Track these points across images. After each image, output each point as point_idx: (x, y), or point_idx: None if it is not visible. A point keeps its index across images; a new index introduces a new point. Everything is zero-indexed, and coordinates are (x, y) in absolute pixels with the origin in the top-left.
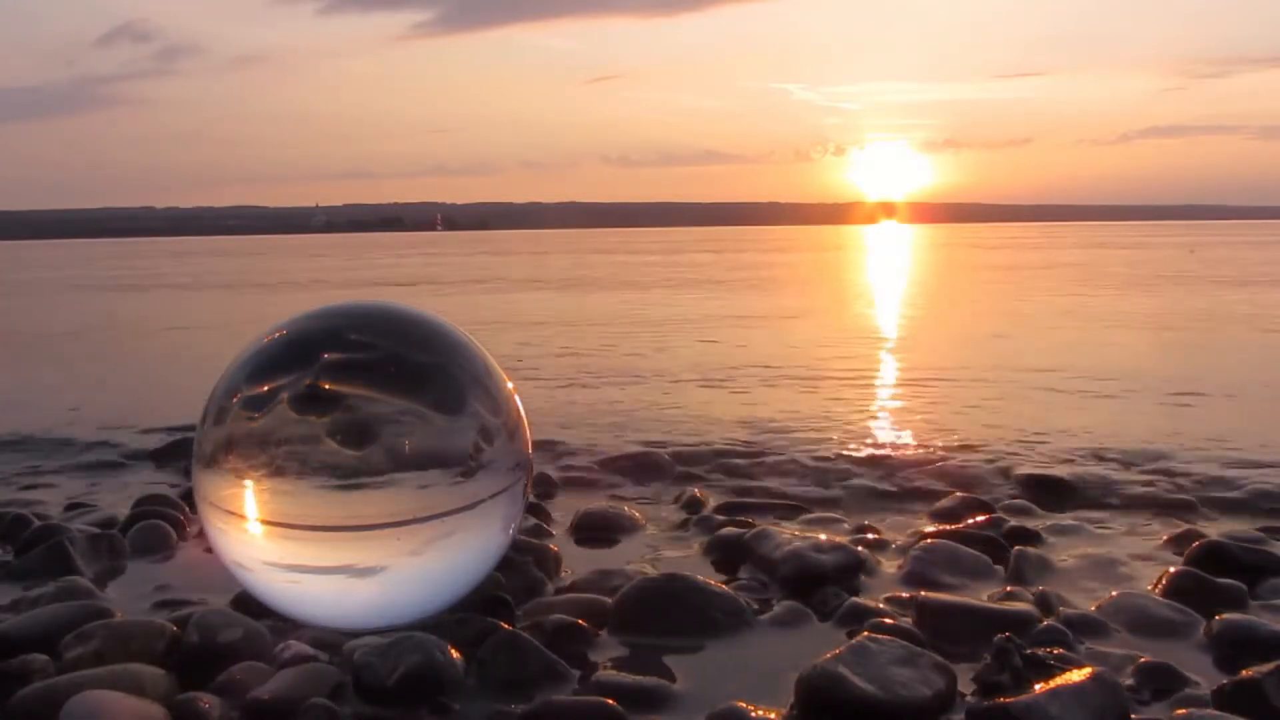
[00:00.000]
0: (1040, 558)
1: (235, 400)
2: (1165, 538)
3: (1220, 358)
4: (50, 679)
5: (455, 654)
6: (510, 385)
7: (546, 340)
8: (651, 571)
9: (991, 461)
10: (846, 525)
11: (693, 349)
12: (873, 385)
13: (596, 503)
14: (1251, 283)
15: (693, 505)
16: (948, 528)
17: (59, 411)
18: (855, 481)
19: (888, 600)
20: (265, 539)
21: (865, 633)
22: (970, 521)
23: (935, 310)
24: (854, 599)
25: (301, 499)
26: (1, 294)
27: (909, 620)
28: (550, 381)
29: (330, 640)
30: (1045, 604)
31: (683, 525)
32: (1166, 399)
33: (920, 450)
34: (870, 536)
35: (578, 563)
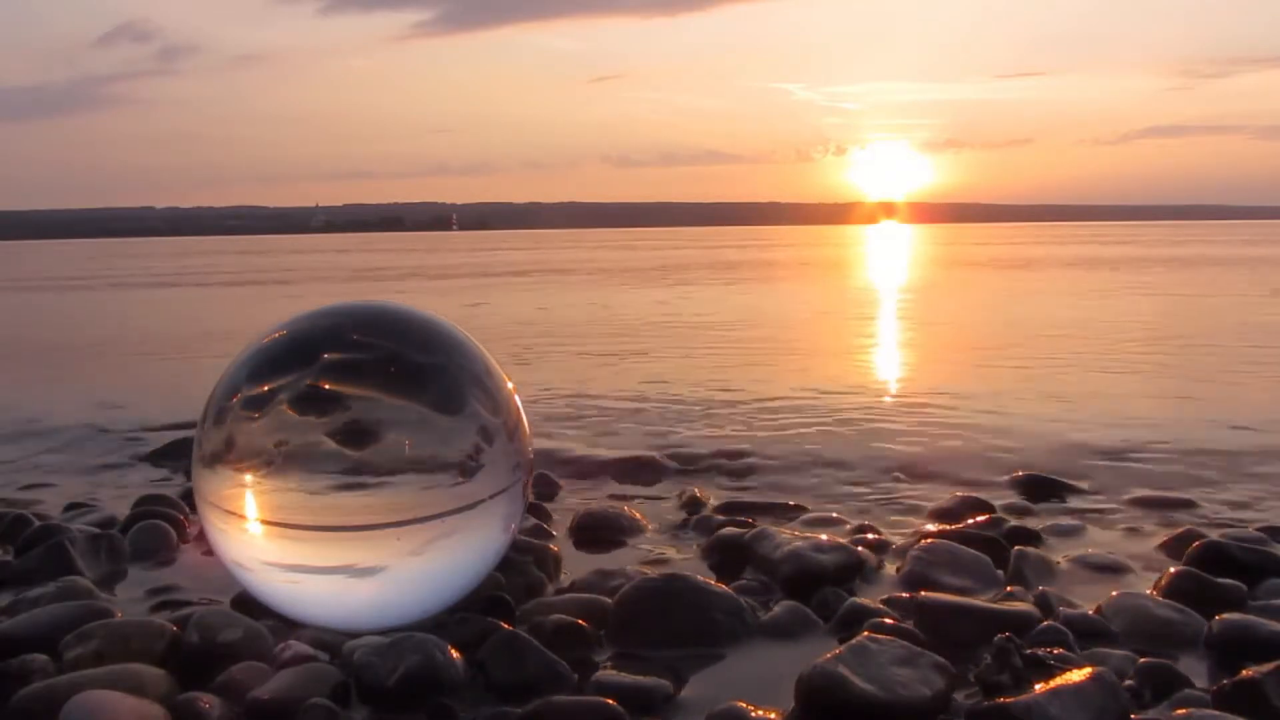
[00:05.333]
0: (1040, 558)
1: (235, 400)
2: (1165, 538)
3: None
4: (50, 679)
5: (455, 654)
6: (510, 385)
7: None
8: (651, 572)
9: (992, 461)
10: (846, 525)
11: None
12: (874, 385)
13: (597, 503)
14: None
15: (693, 505)
16: (948, 528)
17: (59, 410)
18: (856, 481)
19: (888, 600)
20: (265, 539)
21: (865, 633)
22: (970, 521)
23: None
24: (854, 599)
25: (301, 499)
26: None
27: (909, 620)
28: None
29: (330, 640)
30: (1045, 604)
31: (683, 525)
32: (1170, 400)
33: (920, 450)
34: (870, 536)
35: (578, 563)
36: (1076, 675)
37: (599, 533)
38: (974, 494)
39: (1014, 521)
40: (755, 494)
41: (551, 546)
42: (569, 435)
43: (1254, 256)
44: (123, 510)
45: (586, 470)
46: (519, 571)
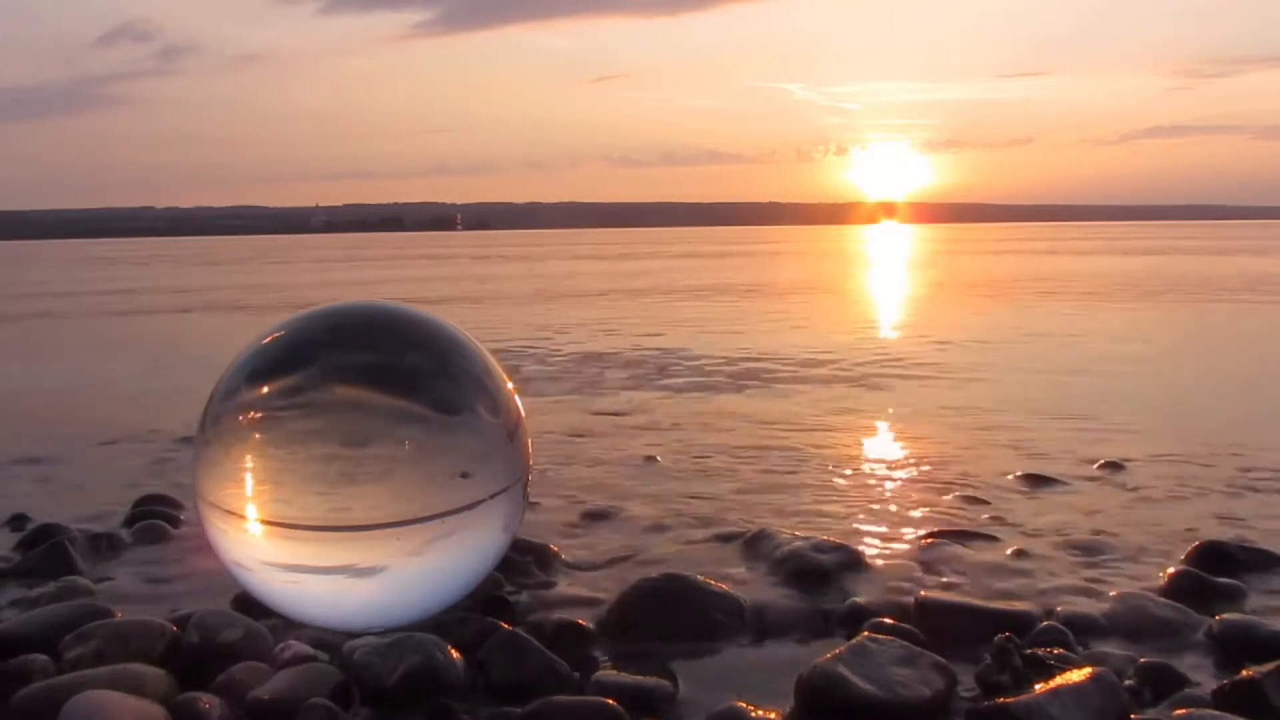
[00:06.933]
0: (1040, 556)
1: (235, 401)
2: (1165, 536)
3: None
4: (50, 679)
5: (455, 654)
6: (510, 385)
7: None
8: (652, 571)
9: (991, 461)
10: (847, 524)
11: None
12: (874, 385)
13: (597, 500)
14: None
15: (693, 502)
16: (948, 528)
17: (59, 409)
18: (856, 480)
19: (888, 600)
20: (265, 539)
21: (865, 633)
22: (970, 521)
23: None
24: (854, 599)
25: (301, 499)
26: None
27: (909, 620)
28: None
29: (330, 640)
30: (1045, 604)
31: (683, 523)
32: (1168, 397)
33: (920, 449)
34: (870, 536)
35: (578, 561)
36: (1076, 675)
37: (599, 532)
38: (974, 493)
39: (1014, 520)
40: (755, 493)
41: (552, 546)
42: None
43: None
44: (123, 509)
45: None
46: (519, 572)
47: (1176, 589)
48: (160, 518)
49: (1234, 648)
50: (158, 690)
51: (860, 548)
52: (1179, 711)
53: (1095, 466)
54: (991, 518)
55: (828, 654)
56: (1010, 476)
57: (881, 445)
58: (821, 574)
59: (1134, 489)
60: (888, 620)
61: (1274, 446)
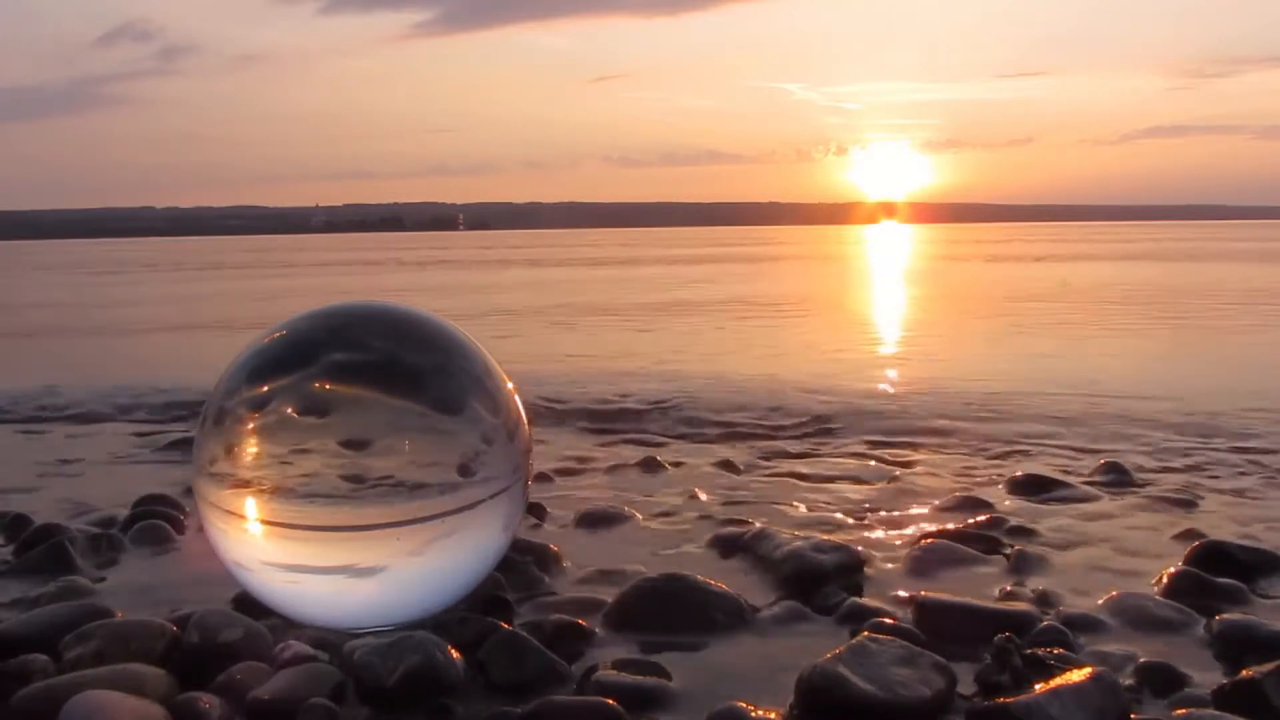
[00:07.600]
0: (1040, 557)
1: (235, 401)
2: (1165, 536)
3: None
4: (50, 679)
5: (455, 654)
6: (510, 385)
7: None
8: (651, 571)
9: (992, 461)
10: (846, 525)
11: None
12: (873, 384)
13: (597, 501)
14: None
15: (693, 503)
16: (948, 528)
17: (57, 409)
18: (856, 481)
19: (888, 600)
20: (265, 539)
21: (865, 632)
22: (970, 521)
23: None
24: (854, 599)
25: (301, 499)
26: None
27: (909, 620)
28: None
29: (330, 640)
30: (1045, 604)
31: (683, 524)
32: (1169, 397)
33: (920, 450)
34: (870, 536)
35: (578, 562)
36: (1076, 675)
37: (599, 531)
38: (974, 493)
39: (1014, 520)
40: (754, 493)
41: (552, 546)
42: None
43: None
44: (123, 510)
45: None
46: (519, 571)
47: (1176, 589)
48: (160, 518)
49: (1234, 648)
50: (158, 690)
51: (860, 548)
52: (1179, 711)
53: (1096, 466)
54: (991, 518)
55: (828, 654)
56: (1011, 477)
57: (881, 446)
58: (821, 574)
59: (1134, 489)
60: (888, 620)
61: (1275, 447)
